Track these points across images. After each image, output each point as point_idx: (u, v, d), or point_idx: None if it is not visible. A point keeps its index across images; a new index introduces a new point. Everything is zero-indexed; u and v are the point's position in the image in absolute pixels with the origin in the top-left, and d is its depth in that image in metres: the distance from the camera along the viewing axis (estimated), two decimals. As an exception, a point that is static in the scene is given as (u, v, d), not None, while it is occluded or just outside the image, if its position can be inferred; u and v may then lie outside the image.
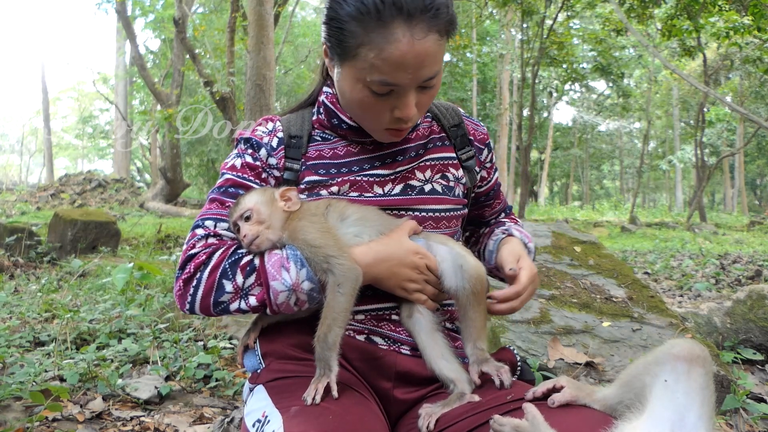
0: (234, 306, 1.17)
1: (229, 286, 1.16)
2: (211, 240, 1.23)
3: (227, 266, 1.17)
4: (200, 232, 1.23)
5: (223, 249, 1.21)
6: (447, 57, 22.36)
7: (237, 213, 1.21)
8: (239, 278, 1.16)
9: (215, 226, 1.24)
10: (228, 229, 1.24)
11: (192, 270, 1.18)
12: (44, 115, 35.28)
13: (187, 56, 12.47)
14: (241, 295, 1.16)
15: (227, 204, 1.26)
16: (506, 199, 1.62)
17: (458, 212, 1.38)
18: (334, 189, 1.29)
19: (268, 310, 1.18)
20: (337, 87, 1.26)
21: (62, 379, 2.45)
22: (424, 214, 1.32)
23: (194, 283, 1.17)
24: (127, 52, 26.86)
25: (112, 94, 32.18)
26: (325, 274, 1.15)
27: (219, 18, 19.99)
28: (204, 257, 1.19)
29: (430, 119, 1.43)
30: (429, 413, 1.15)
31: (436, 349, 1.23)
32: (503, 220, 1.60)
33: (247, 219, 1.20)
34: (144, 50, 24.82)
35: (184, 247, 1.23)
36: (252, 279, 1.16)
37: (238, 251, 1.20)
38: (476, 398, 1.16)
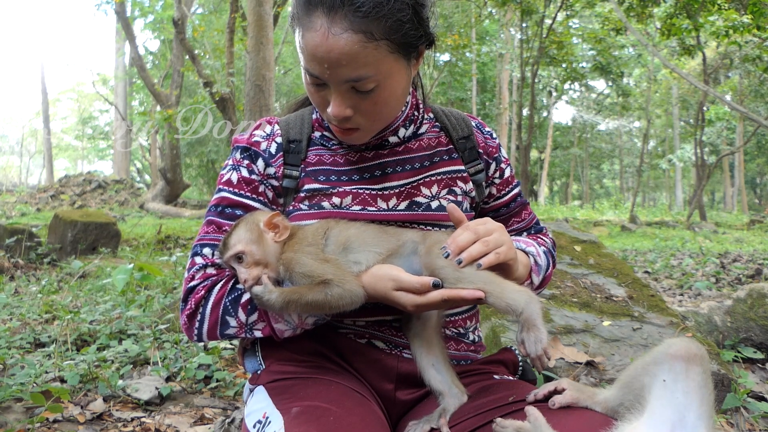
0: (242, 336, 1.20)
1: (233, 322, 1.18)
2: (209, 270, 1.22)
3: (228, 304, 1.18)
4: (199, 261, 1.23)
5: (222, 283, 1.21)
6: (446, 57, 22.26)
7: (228, 254, 1.16)
8: (242, 315, 1.18)
9: (213, 254, 1.23)
10: None
11: (193, 306, 1.19)
12: (44, 117, 35.31)
13: (187, 57, 12.48)
14: (246, 330, 1.19)
15: (224, 228, 1.23)
16: (534, 218, 1.49)
17: None
18: (336, 201, 1.24)
19: (275, 338, 1.21)
20: None
21: (63, 381, 2.45)
22: (429, 229, 1.26)
23: (198, 317, 1.19)
24: (126, 53, 26.88)
25: (111, 95, 32.20)
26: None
27: (218, 19, 19.98)
28: (203, 291, 1.20)
29: (438, 129, 1.36)
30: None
31: (428, 357, 1.20)
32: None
33: (240, 260, 1.14)
34: (143, 51, 24.89)
35: (185, 275, 1.24)
36: (255, 316, 1.18)
37: (237, 286, 1.20)
38: (445, 429, 1.11)
